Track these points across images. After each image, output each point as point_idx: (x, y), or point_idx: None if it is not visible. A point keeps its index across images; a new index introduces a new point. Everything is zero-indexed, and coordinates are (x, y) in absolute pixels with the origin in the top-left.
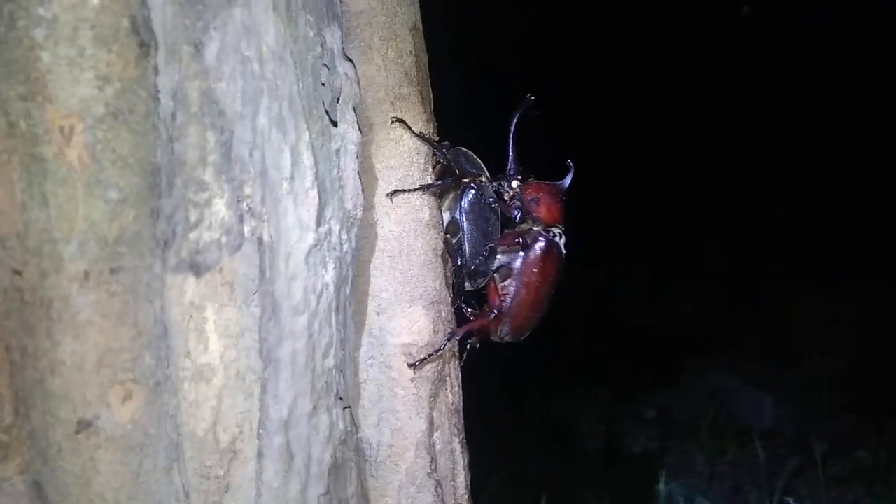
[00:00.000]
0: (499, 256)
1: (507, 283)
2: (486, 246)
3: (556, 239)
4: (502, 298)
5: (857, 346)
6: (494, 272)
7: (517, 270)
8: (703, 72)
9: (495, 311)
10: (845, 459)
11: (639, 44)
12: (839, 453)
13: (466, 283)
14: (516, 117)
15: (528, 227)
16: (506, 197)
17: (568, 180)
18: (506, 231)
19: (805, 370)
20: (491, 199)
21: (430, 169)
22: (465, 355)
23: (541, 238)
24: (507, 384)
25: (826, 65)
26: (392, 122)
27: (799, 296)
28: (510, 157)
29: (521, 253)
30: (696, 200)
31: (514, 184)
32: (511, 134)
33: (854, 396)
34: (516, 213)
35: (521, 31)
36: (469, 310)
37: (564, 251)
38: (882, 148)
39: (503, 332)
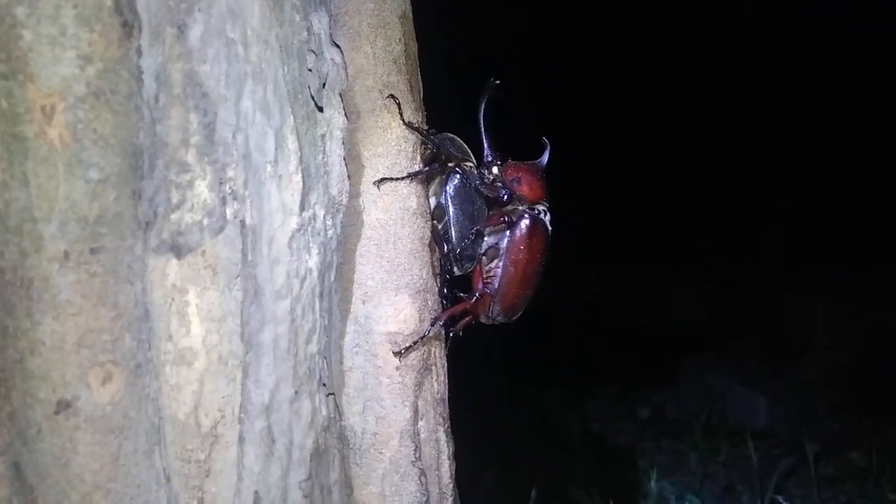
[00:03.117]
0: (486, 238)
1: (494, 263)
2: (472, 229)
3: (541, 216)
4: (490, 279)
5: (854, 346)
6: (482, 255)
7: (504, 249)
8: (704, 65)
9: (477, 294)
10: (838, 460)
11: (637, 36)
12: (832, 454)
13: (455, 269)
14: (483, 102)
15: (513, 206)
16: (489, 181)
17: (545, 158)
18: (490, 212)
19: (800, 370)
20: (476, 183)
21: (418, 157)
22: (448, 343)
23: (526, 215)
24: (500, 381)
25: (828, 59)
26: (388, 96)
27: (797, 294)
28: (484, 143)
29: (508, 232)
30: (694, 197)
31: (495, 169)
32: (481, 119)
33: (848, 397)
34: (504, 194)
35: (515, 20)
36: (460, 294)
37: (550, 228)
38: (883, 143)
39: (495, 313)
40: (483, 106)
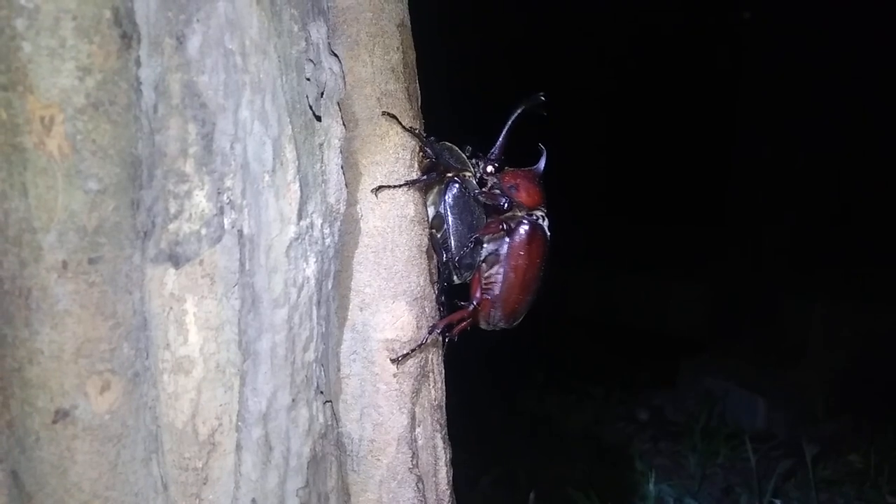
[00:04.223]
0: (485, 246)
1: (494, 269)
2: (471, 238)
3: (540, 221)
4: (490, 286)
5: (852, 348)
6: (481, 262)
7: (504, 255)
8: (702, 69)
9: (475, 302)
10: (837, 462)
11: (636, 40)
12: (830, 456)
13: (454, 277)
14: (519, 111)
15: (512, 213)
16: (487, 186)
17: (542, 164)
18: (489, 220)
19: (798, 372)
20: (476, 192)
21: (416, 165)
22: (444, 349)
23: (524, 221)
24: (499, 384)
25: (825, 61)
26: (382, 114)
27: (795, 296)
28: (496, 147)
29: (507, 238)
30: (692, 200)
31: (490, 168)
32: (508, 125)
33: (847, 399)
34: (503, 201)
35: (513, 27)
36: (461, 303)
37: (549, 233)
38: (882, 145)
39: (496, 319)
40: (517, 114)
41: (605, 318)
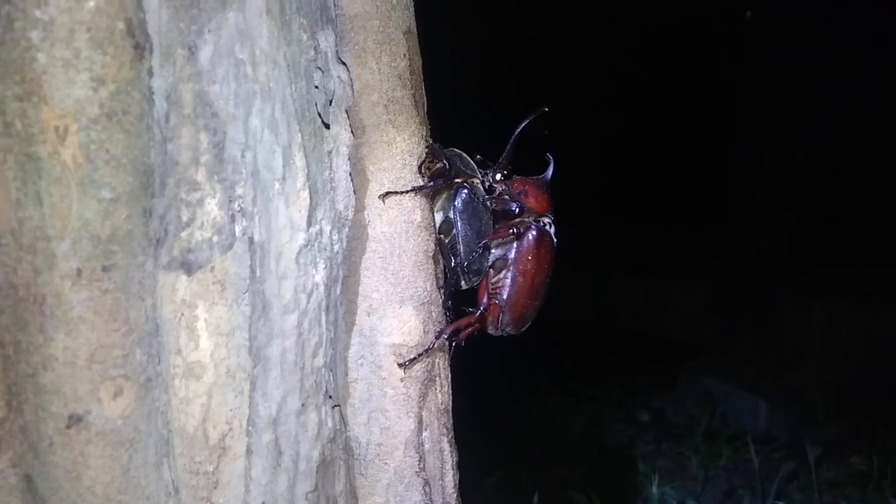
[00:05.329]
0: (493, 251)
1: (502, 274)
2: (479, 243)
3: (547, 227)
4: (498, 291)
5: (852, 349)
6: (489, 268)
7: (512, 260)
8: (705, 69)
9: (483, 307)
10: (839, 464)
11: (635, 43)
12: (833, 458)
13: (462, 282)
14: (524, 123)
15: (520, 218)
16: (496, 193)
17: (549, 173)
18: (497, 226)
19: (800, 374)
20: (485, 198)
21: (423, 171)
22: (451, 353)
23: (532, 226)
24: (502, 387)
25: (823, 62)
26: (422, 165)
27: (795, 297)
28: (504, 157)
29: (516, 243)
30: (691, 202)
31: (498, 176)
32: (514, 137)
33: (849, 400)
34: (514, 206)
35: (517, 33)
36: (468, 309)
37: (556, 239)
38: (881, 148)
39: (504, 324)
40: (522, 126)
41: (602, 321)
